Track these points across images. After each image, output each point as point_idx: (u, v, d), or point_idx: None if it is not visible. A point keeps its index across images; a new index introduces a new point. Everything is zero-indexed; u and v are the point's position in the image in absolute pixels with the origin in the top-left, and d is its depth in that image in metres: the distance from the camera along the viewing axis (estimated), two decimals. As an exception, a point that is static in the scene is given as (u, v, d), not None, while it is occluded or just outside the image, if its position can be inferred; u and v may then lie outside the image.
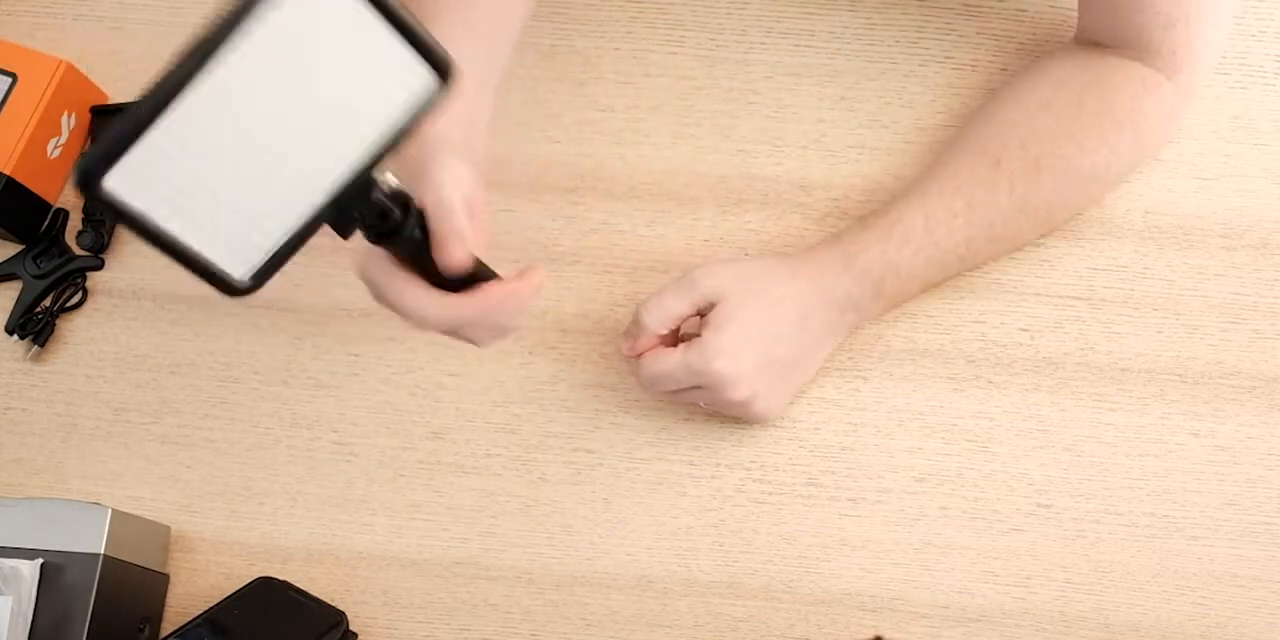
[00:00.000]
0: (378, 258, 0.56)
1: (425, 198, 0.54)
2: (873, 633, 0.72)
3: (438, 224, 0.54)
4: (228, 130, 0.43)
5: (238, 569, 0.76)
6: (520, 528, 0.75)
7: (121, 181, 0.41)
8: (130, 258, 0.83)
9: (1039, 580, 0.72)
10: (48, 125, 0.82)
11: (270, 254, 0.47)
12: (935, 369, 0.76)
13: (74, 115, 0.84)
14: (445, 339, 0.78)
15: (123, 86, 0.86)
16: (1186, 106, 0.73)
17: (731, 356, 0.68)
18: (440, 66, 0.47)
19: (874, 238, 0.71)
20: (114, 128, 0.41)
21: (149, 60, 0.87)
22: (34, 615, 0.67)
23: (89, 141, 0.85)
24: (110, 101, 0.86)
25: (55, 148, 0.83)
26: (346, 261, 0.81)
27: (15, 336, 0.81)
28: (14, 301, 0.82)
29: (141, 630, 0.72)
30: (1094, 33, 0.73)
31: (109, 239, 0.82)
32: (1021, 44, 0.82)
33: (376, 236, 0.53)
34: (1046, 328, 0.76)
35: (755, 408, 0.71)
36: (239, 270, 0.47)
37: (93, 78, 0.85)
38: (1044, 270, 0.77)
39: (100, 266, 0.83)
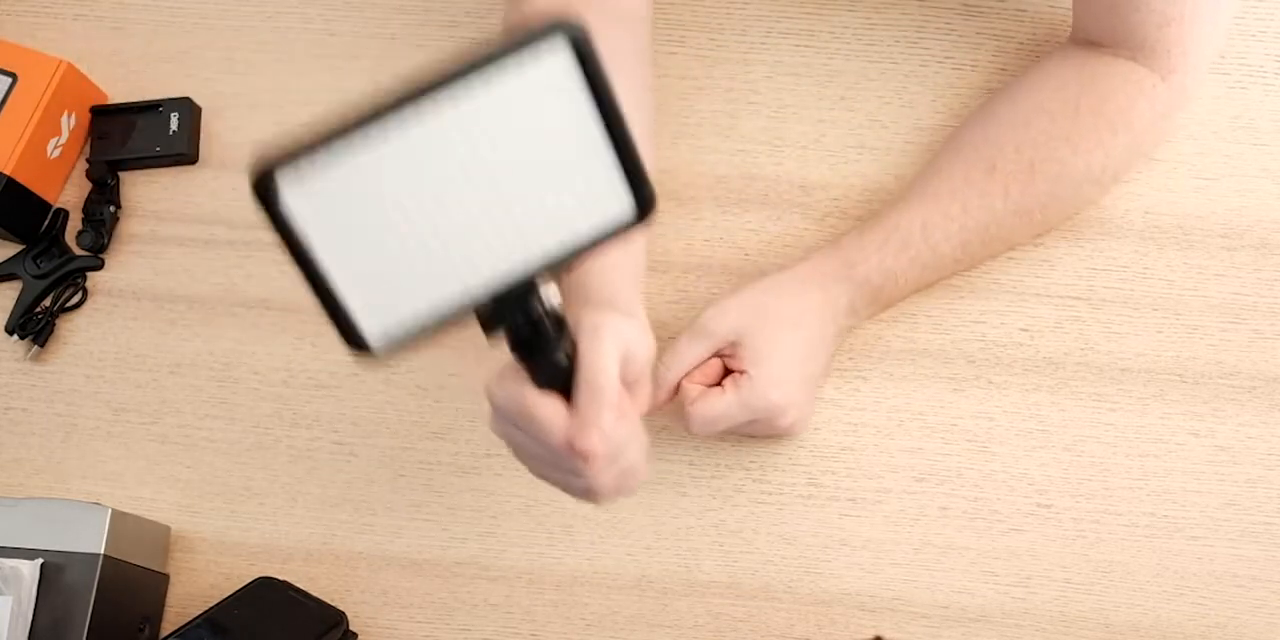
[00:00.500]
0: (512, 374, 0.53)
1: (582, 348, 0.52)
2: (873, 633, 0.72)
3: (586, 389, 0.52)
4: (421, 180, 0.41)
5: (238, 569, 0.76)
6: (520, 528, 0.75)
7: (297, 192, 0.39)
8: (130, 258, 0.83)
9: (1039, 580, 0.72)
10: (48, 125, 0.82)
11: (410, 328, 0.45)
12: (935, 369, 0.76)
13: (74, 115, 0.84)
14: (444, 339, 0.78)
15: (123, 87, 0.86)
16: (1181, 107, 0.73)
17: (782, 385, 0.68)
18: (644, 201, 0.46)
19: (872, 245, 0.71)
20: (309, 133, 0.38)
21: (149, 60, 0.87)
22: (34, 615, 0.67)
23: (89, 141, 0.85)
24: (110, 101, 0.86)
25: (55, 148, 0.83)
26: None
27: (15, 336, 0.81)
28: (14, 301, 0.82)
29: (141, 630, 0.72)
30: (1089, 31, 0.73)
31: (109, 239, 0.82)
32: (1021, 44, 0.82)
33: (521, 347, 0.51)
34: (1046, 328, 0.76)
35: (798, 427, 0.72)
36: (372, 329, 0.44)
37: (93, 78, 0.85)
38: (1044, 270, 0.77)
39: (100, 266, 0.83)
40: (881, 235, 0.71)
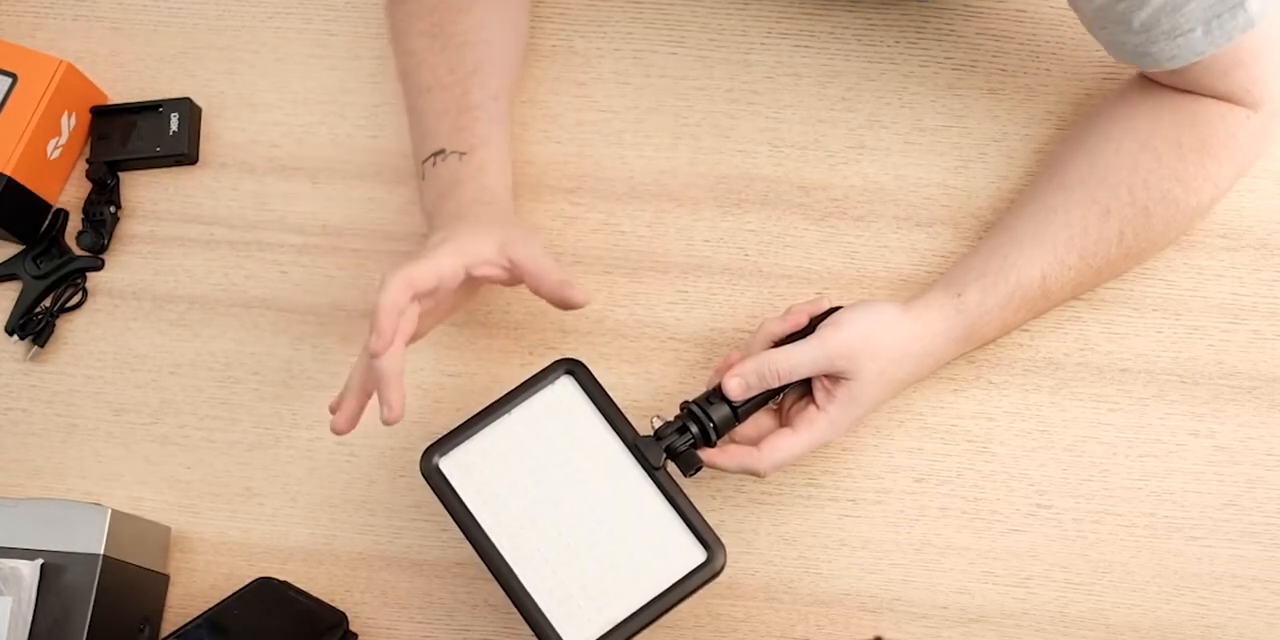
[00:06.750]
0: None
1: (524, 264, 0.67)
2: (873, 633, 0.72)
3: (543, 277, 0.67)
4: (529, 453, 0.67)
5: (238, 569, 0.76)
6: (520, 528, 0.75)
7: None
8: (130, 258, 0.83)
9: (1039, 580, 0.72)
10: (48, 125, 0.82)
11: None
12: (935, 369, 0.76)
13: (74, 115, 0.84)
14: (444, 339, 0.79)
15: (122, 87, 0.86)
16: (1278, 127, 0.72)
17: (847, 428, 0.70)
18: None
19: (996, 306, 0.71)
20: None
21: (149, 60, 0.87)
22: (34, 615, 0.67)
23: (89, 141, 0.85)
24: (110, 101, 0.86)
25: (55, 148, 0.83)
26: (346, 261, 0.81)
27: (15, 337, 0.81)
28: (14, 302, 0.82)
29: (141, 630, 0.72)
30: (1160, 81, 0.72)
31: (109, 239, 0.82)
32: (1021, 44, 0.82)
33: (683, 466, 0.68)
34: (1046, 328, 0.76)
35: None
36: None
37: (93, 78, 0.85)
38: (1044, 270, 0.77)
39: (100, 267, 0.83)
40: (1005, 292, 0.71)
